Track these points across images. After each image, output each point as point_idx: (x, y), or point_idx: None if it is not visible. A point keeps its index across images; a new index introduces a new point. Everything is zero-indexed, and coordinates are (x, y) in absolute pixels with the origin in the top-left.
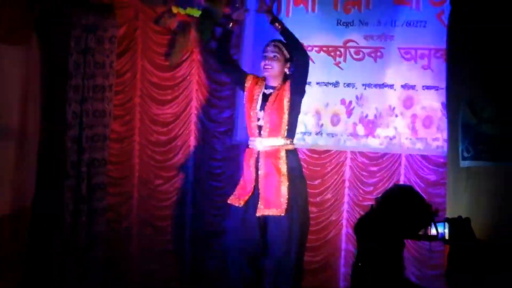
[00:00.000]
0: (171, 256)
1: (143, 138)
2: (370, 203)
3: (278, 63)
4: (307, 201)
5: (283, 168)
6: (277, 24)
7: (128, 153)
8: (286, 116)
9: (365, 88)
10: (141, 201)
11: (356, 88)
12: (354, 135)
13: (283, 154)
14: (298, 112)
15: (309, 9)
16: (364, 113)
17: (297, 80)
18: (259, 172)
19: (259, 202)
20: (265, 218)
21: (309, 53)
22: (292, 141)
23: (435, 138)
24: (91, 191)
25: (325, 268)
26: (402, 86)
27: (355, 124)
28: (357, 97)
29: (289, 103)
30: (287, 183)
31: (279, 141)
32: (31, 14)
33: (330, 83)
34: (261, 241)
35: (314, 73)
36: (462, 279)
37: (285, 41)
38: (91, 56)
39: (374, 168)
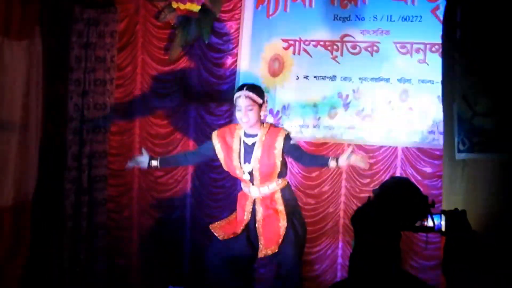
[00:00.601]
0: (171, 246)
1: (143, 131)
2: (367, 195)
3: (254, 112)
4: (305, 228)
5: (280, 207)
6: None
7: (129, 145)
8: (278, 165)
9: (361, 82)
10: (141, 192)
11: (352, 82)
12: (351, 128)
13: (278, 195)
14: None
15: (307, 4)
16: (361, 106)
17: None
18: (257, 217)
19: (260, 243)
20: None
21: (306, 48)
22: (285, 177)
23: (431, 131)
24: (91, 183)
25: (323, 259)
26: (398, 79)
27: (352, 117)
28: (353, 91)
29: (280, 153)
30: (285, 220)
31: (273, 186)
32: (34, 10)
33: (327, 77)
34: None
35: (312, 67)
36: (459, 269)
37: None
38: (92, 50)
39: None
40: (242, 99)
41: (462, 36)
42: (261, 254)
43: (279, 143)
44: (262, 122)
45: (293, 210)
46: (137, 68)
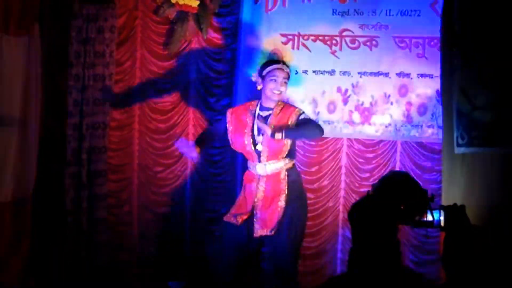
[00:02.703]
0: (171, 241)
1: (143, 126)
2: (366, 189)
3: (286, 87)
4: (306, 215)
5: (284, 187)
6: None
7: (128, 140)
8: (288, 142)
9: (360, 76)
10: (141, 187)
11: (352, 76)
12: (350, 122)
13: (283, 175)
14: None
15: None
16: (360, 101)
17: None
18: (258, 195)
19: (255, 223)
20: (262, 237)
21: (305, 42)
22: (292, 159)
23: (430, 125)
24: (91, 178)
25: (322, 253)
26: (397, 74)
27: (351, 111)
28: (353, 85)
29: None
30: (285, 202)
31: (279, 164)
32: (33, 5)
33: (326, 72)
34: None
35: (311, 62)
36: (458, 264)
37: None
38: (91, 45)
39: (370, 155)
40: (279, 71)
41: (460, 30)
42: (256, 234)
43: (292, 120)
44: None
45: (296, 195)
46: (136, 63)
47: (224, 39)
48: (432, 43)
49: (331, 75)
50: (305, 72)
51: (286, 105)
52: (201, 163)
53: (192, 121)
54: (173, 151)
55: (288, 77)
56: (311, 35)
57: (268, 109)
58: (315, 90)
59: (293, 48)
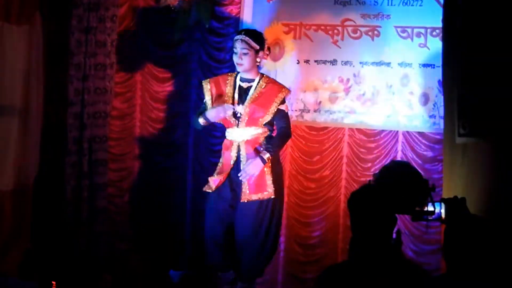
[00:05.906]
0: (171, 230)
1: (144, 115)
2: (367, 179)
3: (249, 57)
4: (283, 184)
5: (265, 154)
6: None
7: (129, 129)
8: (270, 114)
9: (362, 66)
10: (142, 176)
11: (353, 66)
12: (352, 112)
13: (262, 140)
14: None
15: None
16: (362, 91)
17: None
18: (242, 160)
19: (244, 188)
20: (235, 204)
21: (307, 32)
22: (270, 129)
23: (432, 115)
24: (92, 167)
25: (323, 243)
26: (399, 64)
27: (352, 101)
28: (354, 75)
29: (276, 107)
30: (270, 167)
31: (257, 130)
32: None
33: (328, 61)
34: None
35: (312, 51)
36: (459, 254)
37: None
38: (92, 34)
39: (372, 145)
40: (238, 43)
41: (462, 20)
42: (243, 198)
43: (279, 99)
44: (258, 69)
45: (275, 162)
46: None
47: (226, 28)
48: (434, 33)
49: (332, 64)
50: (307, 61)
51: (272, 81)
52: (202, 153)
53: (194, 110)
54: (174, 140)
55: (252, 47)
56: (313, 25)
57: (249, 80)
58: (317, 80)
59: (294, 37)
